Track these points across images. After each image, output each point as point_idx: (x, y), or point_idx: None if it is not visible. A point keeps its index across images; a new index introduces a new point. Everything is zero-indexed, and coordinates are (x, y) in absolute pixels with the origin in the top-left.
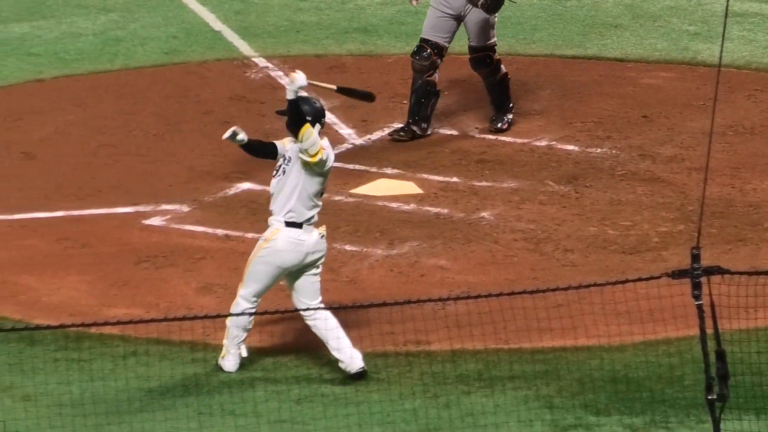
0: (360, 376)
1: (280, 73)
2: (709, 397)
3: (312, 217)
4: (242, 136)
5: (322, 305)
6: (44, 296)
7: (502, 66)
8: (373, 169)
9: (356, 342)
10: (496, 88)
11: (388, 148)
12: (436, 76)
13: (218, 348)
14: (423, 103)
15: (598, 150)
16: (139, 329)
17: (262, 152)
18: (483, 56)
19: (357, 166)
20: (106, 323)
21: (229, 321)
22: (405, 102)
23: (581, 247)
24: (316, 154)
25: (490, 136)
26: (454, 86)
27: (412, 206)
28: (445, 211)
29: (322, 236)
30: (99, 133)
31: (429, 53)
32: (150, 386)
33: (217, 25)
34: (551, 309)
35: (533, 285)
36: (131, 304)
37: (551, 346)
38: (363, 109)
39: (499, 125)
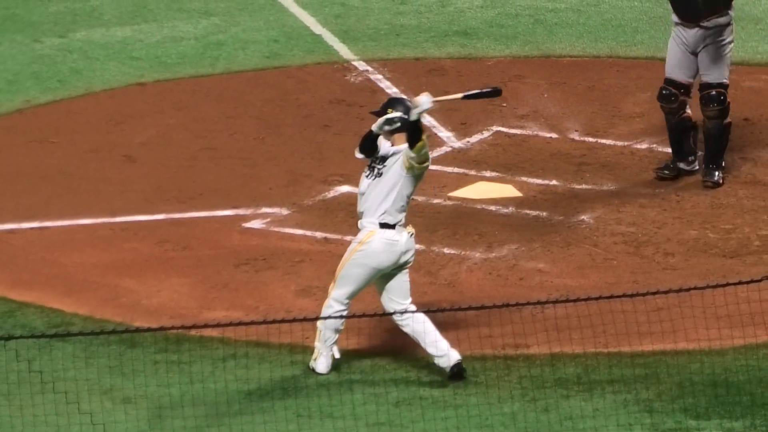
0: (458, 373)
1: (380, 76)
2: None
3: (404, 217)
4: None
5: (413, 306)
6: (144, 299)
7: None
8: (472, 172)
9: (454, 345)
10: (718, 135)
11: (486, 151)
12: (689, 111)
13: None
14: (683, 140)
15: (699, 153)
16: (239, 332)
17: (373, 149)
18: (717, 93)
19: (456, 169)
20: (206, 326)
21: (320, 323)
22: (505, 105)
23: (682, 251)
24: (425, 161)
25: (590, 139)
26: (554, 89)
27: (510, 209)
28: (544, 214)
29: (412, 235)
30: (200, 136)
31: (674, 95)
32: (249, 388)
33: (317, 28)
34: (651, 312)
35: (633, 288)
36: (231, 306)
37: (651, 349)
38: (462, 112)
39: (715, 179)
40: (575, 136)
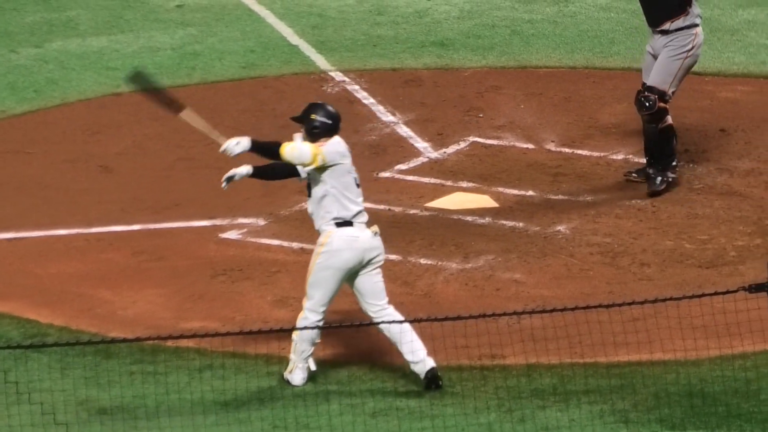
0: (433, 379)
1: (357, 86)
2: None
3: (359, 212)
4: (243, 170)
5: (391, 306)
6: (120, 309)
7: (668, 117)
8: (449, 183)
9: (431, 355)
10: (654, 139)
11: (463, 162)
12: (668, 118)
13: None
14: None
15: (681, 162)
16: (215, 342)
17: (279, 173)
18: (644, 98)
19: (432, 180)
20: (181, 336)
21: (295, 335)
22: (481, 116)
23: (657, 261)
24: (313, 159)
25: (567, 149)
26: (530, 99)
27: (487, 220)
28: (521, 224)
29: (376, 234)
30: (176, 146)
31: (652, 100)
32: (225, 399)
33: (294, 39)
34: (627, 323)
35: (609, 299)
36: (207, 317)
37: (627, 360)
38: (439, 123)
39: (654, 187)
40: (551, 146)
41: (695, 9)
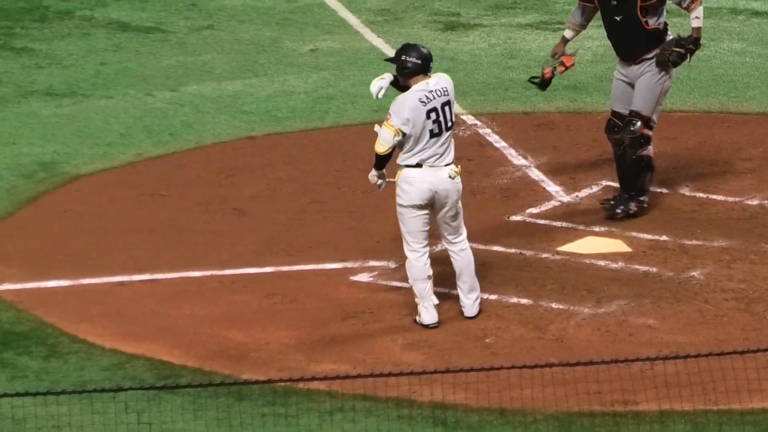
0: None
1: (489, 130)
2: None
3: (429, 157)
4: (387, 80)
5: (464, 239)
6: (253, 351)
7: (651, 148)
8: (581, 227)
9: (562, 400)
10: (632, 166)
11: (595, 205)
12: (650, 149)
13: (423, 405)
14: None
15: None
16: (346, 385)
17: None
18: (630, 120)
19: (564, 224)
20: (313, 378)
21: (410, 280)
22: None
23: None
24: (396, 134)
25: (701, 194)
26: (664, 143)
27: (620, 264)
28: (654, 269)
29: (451, 176)
30: (309, 190)
31: (617, 126)
32: None
33: None
34: (762, 370)
35: (744, 345)
36: (338, 359)
37: (762, 407)
38: (571, 166)
39: (616, 211)
40: (686, 191)
41: (668, 33)
